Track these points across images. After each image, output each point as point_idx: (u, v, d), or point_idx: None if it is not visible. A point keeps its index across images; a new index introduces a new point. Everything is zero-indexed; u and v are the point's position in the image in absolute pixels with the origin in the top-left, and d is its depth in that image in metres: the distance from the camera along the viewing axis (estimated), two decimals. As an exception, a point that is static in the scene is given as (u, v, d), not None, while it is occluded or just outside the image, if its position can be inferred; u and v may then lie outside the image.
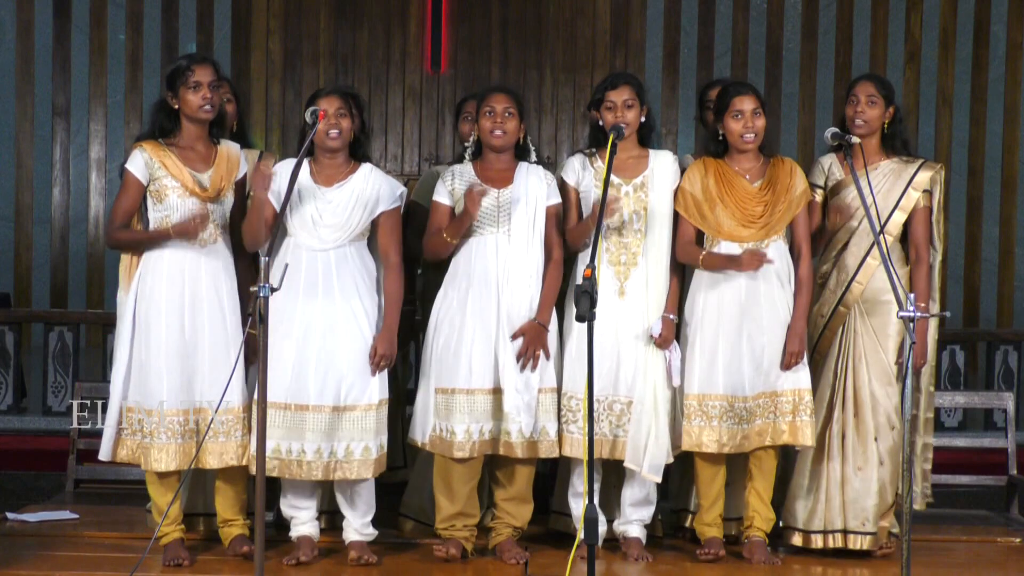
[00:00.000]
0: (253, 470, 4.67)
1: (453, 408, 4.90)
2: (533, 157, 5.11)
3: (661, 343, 5.00)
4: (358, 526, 4.93)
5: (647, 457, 4.98)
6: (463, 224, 4.88)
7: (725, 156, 5.09)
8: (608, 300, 4.99)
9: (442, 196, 5.04)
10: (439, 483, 4.99)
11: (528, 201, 4.98)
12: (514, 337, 4.90)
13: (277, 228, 4.72)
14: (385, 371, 4.87)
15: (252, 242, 4.85)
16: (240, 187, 4.92)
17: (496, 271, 4.93)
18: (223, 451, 4.79)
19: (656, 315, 5.02)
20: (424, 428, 4.97)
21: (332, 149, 4.87)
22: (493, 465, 5.11)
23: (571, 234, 5.02)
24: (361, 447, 4.81)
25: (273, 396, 4.74)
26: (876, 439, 5.09)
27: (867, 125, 5.12)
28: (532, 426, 4.91)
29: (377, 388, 4.85)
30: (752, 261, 4.91)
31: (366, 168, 4.94)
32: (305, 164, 4.88)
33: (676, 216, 5.07)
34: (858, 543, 5.09)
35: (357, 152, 4.95)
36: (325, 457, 4.79)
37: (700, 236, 5.06)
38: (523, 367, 4.90)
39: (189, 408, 4.78)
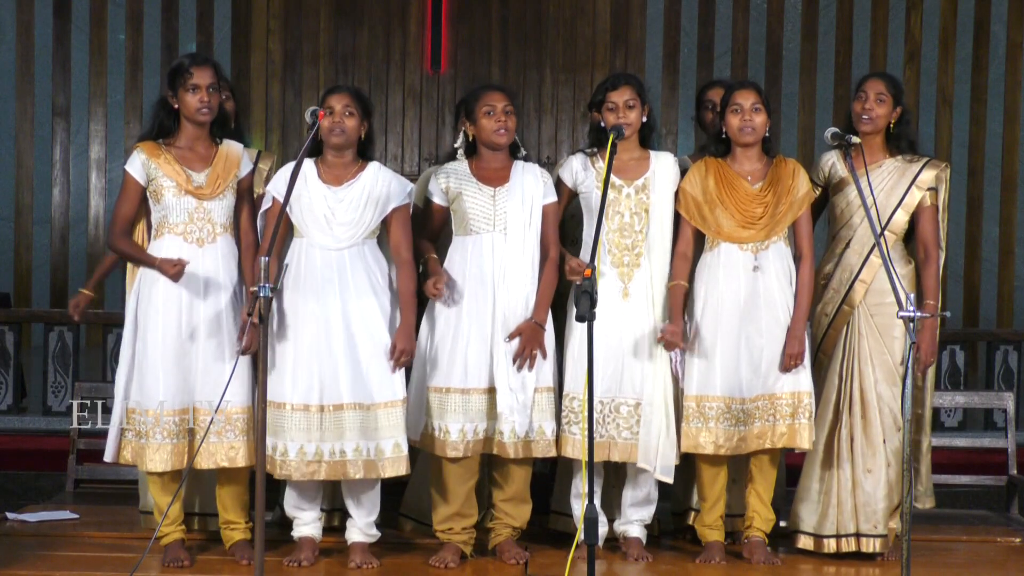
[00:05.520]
0: (275, 472, 4.74)
1: (448, 407, 4.90)
2: (523, 152, 5.11)
3: (669, 345, 5.00)
4: (362, 525, 4.93)
5: (659, 458, 4.97)
6: (435, 274, 4.89)
7: (728, 156, 5.08)
8: (612, 302, 4.98)
9: (435, 195, 5.03)
10: (436, 484, 4.99)
11: (524, 200, 4.97)
12: (511, 337, 4.90)
13: (279, 226, 4.73)
14: (403, 368, 4.87)
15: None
16: (243, 186, 4.92)
17: (492, 270, 4.93)
18: (224, 452, 4.77)
19: (661, 315, 5.01)
20: (416, 426, 4.96)
21: (336, 146, 4.86)
22: (491, 466, 5.11)
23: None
24: (391, 444, 4.81)
25: (296, 398, 4.76)
26: (884, 440, 5.08)
27: (873, 122, 5.10)
28: (526, 426, 4.90)
29: (399, 385, 4.85)
30: (669, 340, 4.92)
31: (374, 166, 4.93)
32: (312, 166, 4.88)
33: (677, 217, 5.07)
34: (871, 546, 5.08)
35: (365, 153, 4.95)
36: (364, 455, 4.79)
37: (701, 238, 5.06)
38: (520, 367, 4.89)
39: (187, 409, 4.77)
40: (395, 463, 4.82)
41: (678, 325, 4.95)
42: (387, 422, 4.81)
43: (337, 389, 4.78)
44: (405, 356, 4.83)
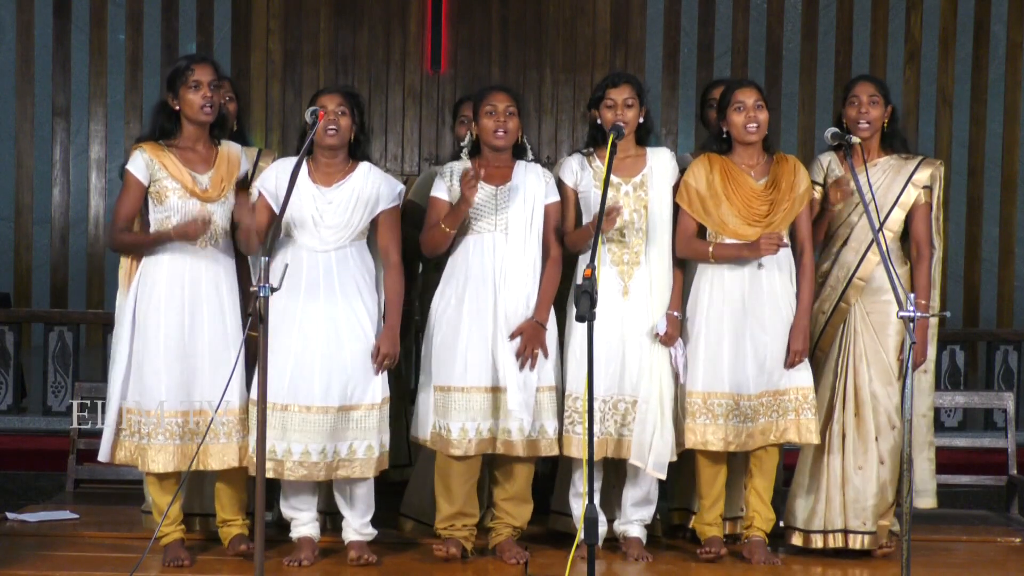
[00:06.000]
0: (252, 471, 4.68)
1: (450, 406, 4.90)
2: (530, 155, 5.11)
3: (666, 340, 5.00)
4: (357, 526, 4.93)
5: (652, 454, 4.97)
6: (460, 212, 4.87)
7: (729, 154, 5.08)
8: (612, 300, 4.98)
9: (441, 192, 5.03)
10: (438, 483, 4.99)
11: (526, 199, 4.97)
12: (512, 336, 4.90)
13: (274, 228, 4.72)
14: (386, 370, 4.87)
15: (246, 250, 4.90)
16: (240, 187, 4.91)
17: (493, 269, 4.93)
18: (224, 452, 4.78)
19: (660, 313, 5.01)
20: (426, 426, 4.97)
21: (330, 147, 4.85)
22: (492, 465, 5.11)
23: (570, 239, 5.02)
24: (364, 446, 4.82)
25: (277, 398, 4.75)
26: (877, 438, 5.09)
27: (871, 126, 5.11)
28: (530, 424, 4.91)
29: (379, 387, 4.85)
30: (770, 245, 4.88)
31: (364, 167, 4.93)
32: (303, 165, 4.86)
33: (675, 212, 5.07)
34: (858, 542, 5.09)
35: (356, 153, 4.94)
36: (329, 457, 4.78)
37: (701, 230, 5.06)
38: (522, 366, 4.89)
39: (188, 410, 4.77)
40: (364, 465, 4.82)
41: (768, 240, 4.87)
42: (361, 424, 4.81)
43: (311, 391, 4.77)
44: (388, 359, 4.83)
